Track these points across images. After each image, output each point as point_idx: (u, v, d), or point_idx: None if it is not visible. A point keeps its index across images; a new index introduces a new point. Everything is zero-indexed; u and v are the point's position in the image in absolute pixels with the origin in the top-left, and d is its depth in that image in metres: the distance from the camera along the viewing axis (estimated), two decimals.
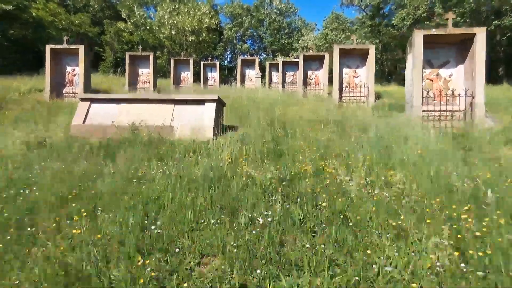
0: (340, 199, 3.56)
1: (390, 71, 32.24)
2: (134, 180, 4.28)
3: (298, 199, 3.59)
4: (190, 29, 29.63)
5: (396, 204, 3.46)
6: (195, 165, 4.88)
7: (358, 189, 3.90)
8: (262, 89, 21.90)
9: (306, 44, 33.47)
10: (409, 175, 4.12)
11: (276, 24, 36.96)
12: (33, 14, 23.48)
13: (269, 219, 3.15)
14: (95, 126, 6.80)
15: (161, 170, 4.60)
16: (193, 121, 6.90)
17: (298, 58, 30.47)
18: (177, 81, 23.62)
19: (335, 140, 6.10)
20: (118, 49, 28.04)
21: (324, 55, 17.80)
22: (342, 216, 3.29)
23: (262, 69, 31.21)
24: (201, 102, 7.10)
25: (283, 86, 22.56)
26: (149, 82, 18.97)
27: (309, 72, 18.53)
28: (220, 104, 7.71)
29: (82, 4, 30.91)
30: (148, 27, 29.11)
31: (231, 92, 19.01)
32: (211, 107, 6.99)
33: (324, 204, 3.48)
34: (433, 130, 6.83)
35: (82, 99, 7.14)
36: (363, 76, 13.50)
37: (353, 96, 13.24)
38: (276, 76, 27.92)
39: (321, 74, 18.36)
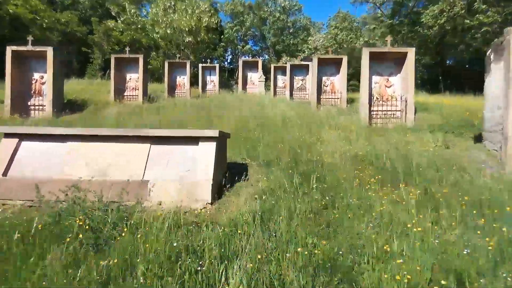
0: None
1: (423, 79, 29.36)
2: None
3: None
4: (187, 29, 27.03)
5: None
6: None
7: None
8: (267, 96, 19.39)
9: (315, 46, 30.92)
10: None
11: (280, 23, 34.35)
12: (10, 10, 20.85)
13: None
14: (25, 180, 4.27)
15: None
16: (180, 172, 4.35)
17: (307, 60, 27.99)
18: (172, 87, 21.03)
19: (428, 227, 3.33)
20: (108, 50, 25.49)
21: (341, 59, 15.25)
22: None
23: (265, 71, 28.69)
24: (193, 140, 4.55)
25: (291, 93, 20.00)
26: (138, 89, 16.40)
27: (324, 78, 15.98)
28: (222, 140, 5.13)
29: (70, 1, 28.30)
30: (140, 26, 26.51)
31: (231, 101, 16.53)
32: (209, 149, 4.43)
33: None
34: None
35: (7, 135, 4.58)
36: (397, 85, 10.95)
37: (385, 111, 10.68)
38: (282, 81, 25.38)
39: (337, 81, 15.81)
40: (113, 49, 26.22)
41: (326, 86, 15.99)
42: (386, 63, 11.00)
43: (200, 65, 25.28)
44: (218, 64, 25.28)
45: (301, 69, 20.56)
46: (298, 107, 14.10)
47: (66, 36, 26.23)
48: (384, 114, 10.77)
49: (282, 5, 35.65)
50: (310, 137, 7.90)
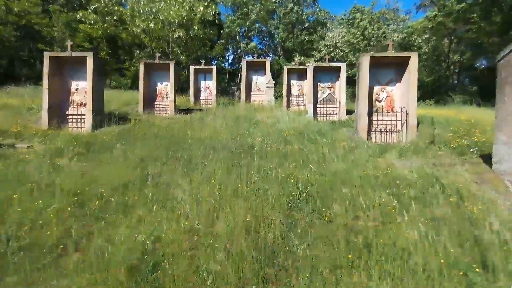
0: None
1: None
2: None
3: None
4: (177, 21, 21.27)
5: None
6: None
7: None
8: (283, 113, 13.64)
9: (333, 43, 25.03)
10: None
11: (292, 16, 28.38)
12: None
13: None
14: None
15: None
16: None
17: (335, 61, 22.04)
18: (151, 97, 15.29)
19: None
20: (75, 47, 19.96)
21: (409, 57, 9.40)
22: None
23: (273, 74, 22.92)
24: None
25: (315, 108, 14.20)
26: (85, 105, 10.68)
27: (375, 89, 10.12)
28: None
29: None
30: (116, 18, 20.84)
31: (231, 126, 10.86)
32: None
33: None
34: None
35: None
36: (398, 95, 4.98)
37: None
38: (298, 87, 19.63)
39: (397, 92, 9.98)
40: (81, 46, 20.67)
41: (380, 101, 10.11)
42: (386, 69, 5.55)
43: (192, 67, 19.53)
44: (215, 66, 19.51)
45: (329, 73, 14.73)
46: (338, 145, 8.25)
47: (22, 30, 20.53)
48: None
49: None
50: None
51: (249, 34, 29.93)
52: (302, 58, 20.53)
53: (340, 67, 14.06)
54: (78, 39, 20.42)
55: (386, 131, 9.51)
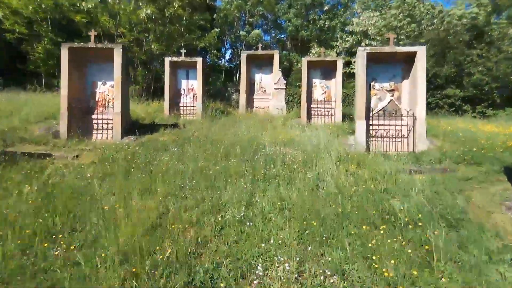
0: None
1: None
2: None
3: None
4: None
5: None
6: None
7: None
8: (304, 132, 7.63)
9: (362, 29, 18.70)
10: None
11: None
12: None
13: None
14: None
15: None
16: None
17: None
18: (87, 107, 8.99)
19: None
20: None
21: None
22: None
23: (283, 72, 16.80)
24: None
25: (368, 135, 7.92)
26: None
27: None
28: None
29: None
30: None
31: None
32: None
33: None
34: None
35: None
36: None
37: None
38: (323, 89, 13.42)
39: None
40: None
41: None
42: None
43: (167, 59, 13.29)
44: (201, 58, 13.24)
45: (390, 67, 8.36)
46: None
47: None
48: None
49: None
50: None
51: (250, 20, 23.61)
52: (322, 49, 14.11)
53: (414, 53, 7.75)
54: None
55: None
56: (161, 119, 11.61)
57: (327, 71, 13.10)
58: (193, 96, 13.69)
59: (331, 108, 12.73)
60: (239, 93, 16.11)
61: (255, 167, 5.71)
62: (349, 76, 19.25)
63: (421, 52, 7.67)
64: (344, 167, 5.63)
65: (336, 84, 12.71)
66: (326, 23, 21.36)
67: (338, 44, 19.89)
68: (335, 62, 12.66)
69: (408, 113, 7.83)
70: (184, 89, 13.82)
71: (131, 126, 9.09)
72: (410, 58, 8.01)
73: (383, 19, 17.96)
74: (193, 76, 13.56)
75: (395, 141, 7.99)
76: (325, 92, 13.31)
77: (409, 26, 16.09)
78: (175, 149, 7.03)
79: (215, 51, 22.15)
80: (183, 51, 13.14)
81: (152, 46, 15.07)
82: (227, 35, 24.41)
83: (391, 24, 16.80)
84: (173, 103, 13.35)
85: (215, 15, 20.70)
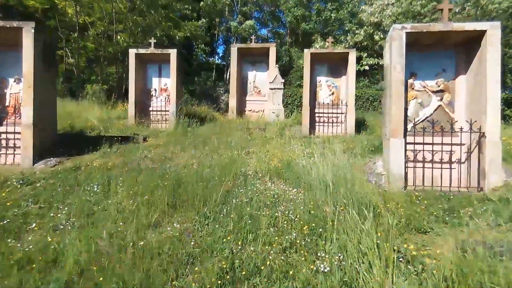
0: None
1: None
2: None
3: None
4: None
5: None
6: None
7: None
8: (310, 158, 4.68)
9: (374, 20, 15.86)
10: None
11: None
12: None
13: None
14: None
15: None
16: None
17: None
18: None
19: None
20: None
21: None
22: None
23: (281, 69, 14.04)
24: None
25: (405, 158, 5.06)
26: None
27: None
28: None
29: None
30: None
31: None
32: None
33: None
34: None
35: None
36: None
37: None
38: (330, 89, 10.59)
39: None
40: None
41: None
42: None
43: (131, 51, 10.48)
44: (175, 50, 10.38)
45: (436, 57, 5.55)
46: None
47: None
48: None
49: None
50: None
51: (243, 10, 20.72)
52: (331, 39, 11.21)
53: (480, 33, 4.97)
54: None
55: None
56: (118, 130, 8.80)
57: (336, 66, 10.31)
58: (165, 99, 10.88)
59: (341, 113, 9.95)
60: (229, 94, 13.32)
61: (214, 246, 2.91)
62: (358, 75, 16.47)
63: (494, 31, 4.89)
64: (390, 241, 2.74)
65: (347, 83, 9.92)
66: (332, 15, 18.41)
67: (348, 38, 16.96)
68: (346, 55, 9.85)
69: (471, 127, 5.03)
70: (155, 89, 11.01)
71: (59, 142, 6.31)
72: (469, 43, 5.25)
73: (399, 4, 15.04)
74: (166, 72, 10.76)
75: (446, 168, 5.22)
76: (332, 93, 10.50)
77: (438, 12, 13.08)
78: (96, 188, 4.25)
79: (203, 46, 19.26)
80: (152, 41, 10.28)
81: (119, 37, 12.23)
82: (218, 28, 21.54)
83: (414, 10, 13.86)
84: (142, 107, 10.56)
85: (201, 3, 17.83)
